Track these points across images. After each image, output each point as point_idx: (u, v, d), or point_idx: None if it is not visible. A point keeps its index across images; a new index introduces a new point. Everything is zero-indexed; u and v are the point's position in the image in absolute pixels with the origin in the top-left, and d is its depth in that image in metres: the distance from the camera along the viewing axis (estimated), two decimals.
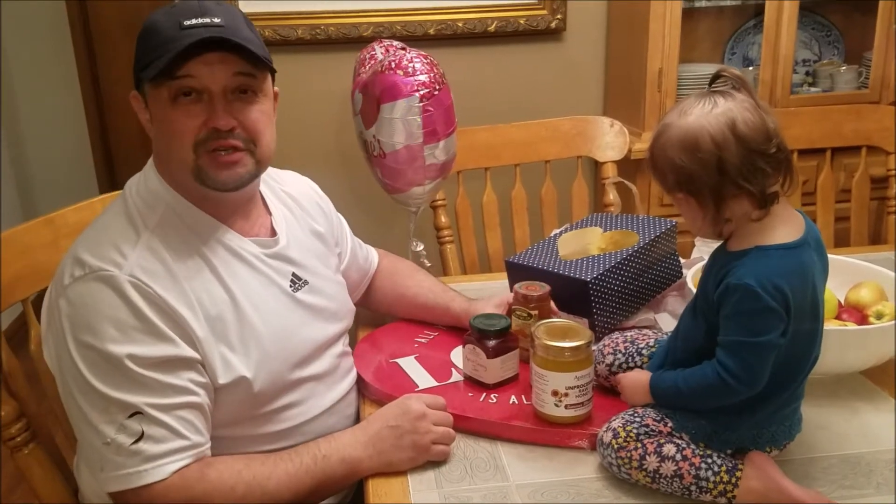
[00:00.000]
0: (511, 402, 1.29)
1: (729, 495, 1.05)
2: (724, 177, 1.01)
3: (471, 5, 2.69)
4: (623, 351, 1.26)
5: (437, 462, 1.18)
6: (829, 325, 1.32)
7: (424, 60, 2.09)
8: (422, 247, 2.31)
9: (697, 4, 2.68)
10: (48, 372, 1.24)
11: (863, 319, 1.40)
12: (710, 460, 1.06)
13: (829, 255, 1.13)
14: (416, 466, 1.17)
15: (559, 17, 2.72)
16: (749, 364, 1.02)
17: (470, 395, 1.32)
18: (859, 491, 1.10)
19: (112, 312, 1.10)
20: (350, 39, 2.63)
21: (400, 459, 1.17)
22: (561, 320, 1.31)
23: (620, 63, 2.73)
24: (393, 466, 1.17)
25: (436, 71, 2.09)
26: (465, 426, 1.24)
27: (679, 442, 1.08)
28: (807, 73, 2.85)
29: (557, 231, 1.67)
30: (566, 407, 1.19)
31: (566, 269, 1.46)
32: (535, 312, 1.36)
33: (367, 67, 2.20)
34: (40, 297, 1.26)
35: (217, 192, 1.19)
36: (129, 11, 3.95)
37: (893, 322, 1.28)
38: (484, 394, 1.32)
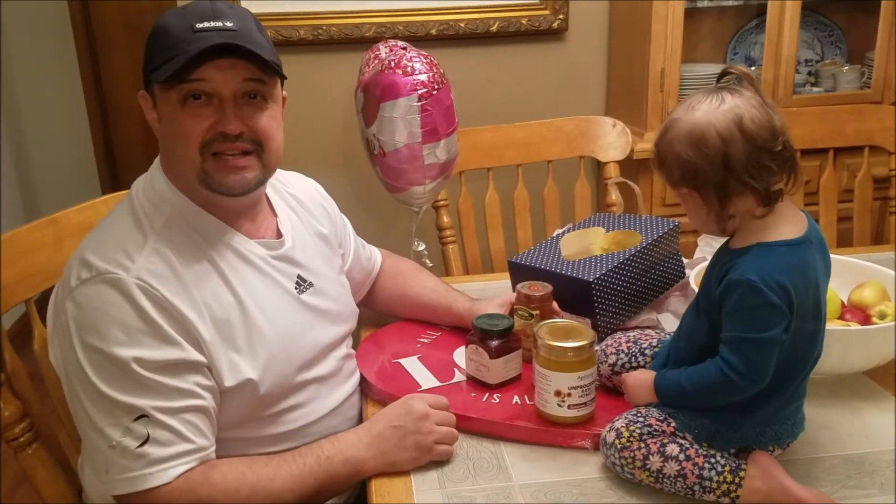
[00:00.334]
0: (514, 402, 1.29)
1: (732, 495, 1.05)
2: (730, 173, 1.01)
3: (473, 6, 2.69)
4: (626, 351, 1.26)
5: (440, 462, 1.18)
6: (832, 325, 1.32)
7: (424, 60, 2.09)
8: (423, 246, 2.31)
9: (699, 4, 2.68)
10: (51, 372, 1.24)
11: (866, 319, 1.40)
12: (713, 460, 1.06)
13: (832, 256, 1.13)
14: (420, 466, 1.17)
15: (561, 17, 2.72)
16: (752, 360, 1.02)
17: (473, 395, 1.32)
18: (863, 491, 1.10)
19: (119, 316, 1.10)
20: (352, 40, 2.63)
21: (403, 459, 1.17)
22: (564, 320, 1.31)
23: (622, 63, 2.73)
24: (396, 466, 1.17)
25: (435, 70, 2.09)
26: (468, 426, 1.24)
27: (682, 442, 1.08)
28: (809, 73, 2.85)
29: (560, 231, 1.67)
30: (569, 407, 1.19)
31: (569, 269, 1.46)
32: (536, 312, 1.36)
33: (371, 67, 2.20)
34: (43, 297, 1.26)
35: (224, 196, 1.19)
36: (131, 12, 3.96)
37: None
38: (487, 394, 1.32)
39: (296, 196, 1.40)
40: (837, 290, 1.43)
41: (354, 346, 1.47)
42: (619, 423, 1.11)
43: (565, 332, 1.21)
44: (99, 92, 4.08)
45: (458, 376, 1.38)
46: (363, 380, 1.39)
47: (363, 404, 1.38)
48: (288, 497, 1.14)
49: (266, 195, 1.33)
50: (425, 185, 2.13)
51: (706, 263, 1.45)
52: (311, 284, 1.31)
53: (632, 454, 1.09)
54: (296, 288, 1.28)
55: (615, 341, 1.29)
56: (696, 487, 1.06)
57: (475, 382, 1.35)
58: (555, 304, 1.40)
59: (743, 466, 1.06)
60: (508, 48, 2.77)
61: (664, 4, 2.46)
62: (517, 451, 1.21)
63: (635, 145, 2.35)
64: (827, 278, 1.10)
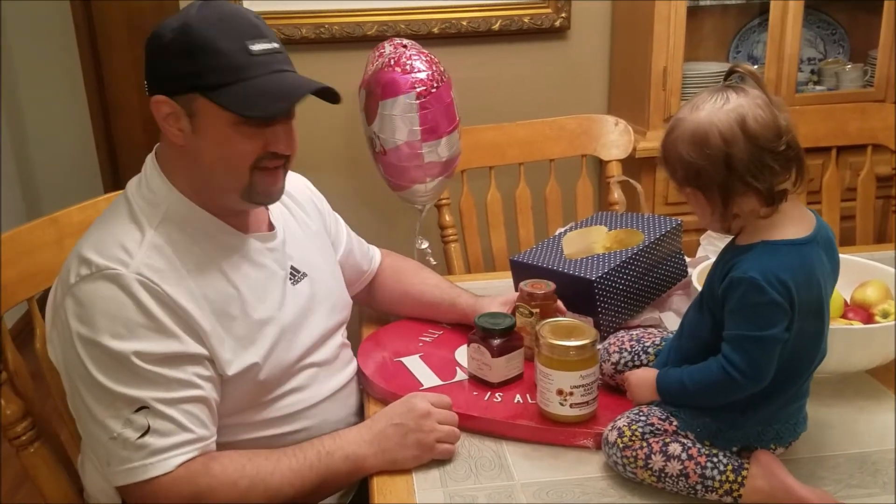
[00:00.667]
0: (516, 401, 1.29)
1: (735, 494, 1.05)
2: (732, 173, 1.01)
3: (475, 4, 2.68)
4: (629, 349, 1.26)
5: (442, 461, 1.18)
6: (835, 324, 1.31)
7: (423, 58, 2.09)
8: (427, 245, 2.31)
9: (702, 3, 2.67)
10: (53, 371, 1.24)
11: (868, 318, 1.40)
12: (715, 459, 1.06)
13: None
14: (421, 465, 1.17)
15: (563, 15, 2.72)
16: (754, 358, 1.01)
17: (475, 393, 1.32)
18: (866, 490, 1.09)
19: (119, 310, 1.11)
20: (354, 38, 2.63)
21: (404, 457, 1.17)
22: (566, 319, 1.31)
23: (625, 61, 2.73)
24: (397, 464, 1.17)
25: (435, 68, 2.09)
26: (470, 425, 1.24)
27: (685, 441, 1.08)
28: (812, 72, 2.84)
29: (562, 230, 1.66)
30: (571, 406, 1.19)
31: (571, 267, 1.46)
32: (536, 311, 1.36)
33: (374, 65, 2.20)
34: (45, 296, 1.26)
35: (255, 205, 1.25)
36: (133, 12, 3.96)
37: None
38: (489, 393, 1.31)
39: (287, 191, 1.40)
40: (840, 289, 1.42)
41: (356, 345, 1.48)
42: (621, 422, 1.11)
43: (567, 331, 1.21)
44: (101, 91, 4.09)
45: (460, 375, 1.38)
46: (365, 378, 1.39)
47: (365, 402, 1.38)
48: (287, 490, 1.15)
49: None
50: (426, 183, 2.12)
51: (709, 262, 1.45)
52: (304, 275, 1.33)
53: (634, 453, 1.08)
54: (290, 278, 1.31)
55: (618, 340, 1.29)
56: (699, 487, 1.06)
57: (477, 381, 1.35)
58: (560, 303, 1.40)
59: (745, 465, 1.06)
60: (510, 47, 2.76)
61: (667, 3, 2.45)
62: (519, 450, 1.21)
63: (637, 144, 2.35)
64: (834, 280, 1.10)
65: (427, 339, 1.51)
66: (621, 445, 1.09)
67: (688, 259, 1.61)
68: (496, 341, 1.31)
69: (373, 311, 1.63)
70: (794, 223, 1.05)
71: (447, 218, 2.17)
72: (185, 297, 1.15)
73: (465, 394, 1.32)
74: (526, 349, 1.34)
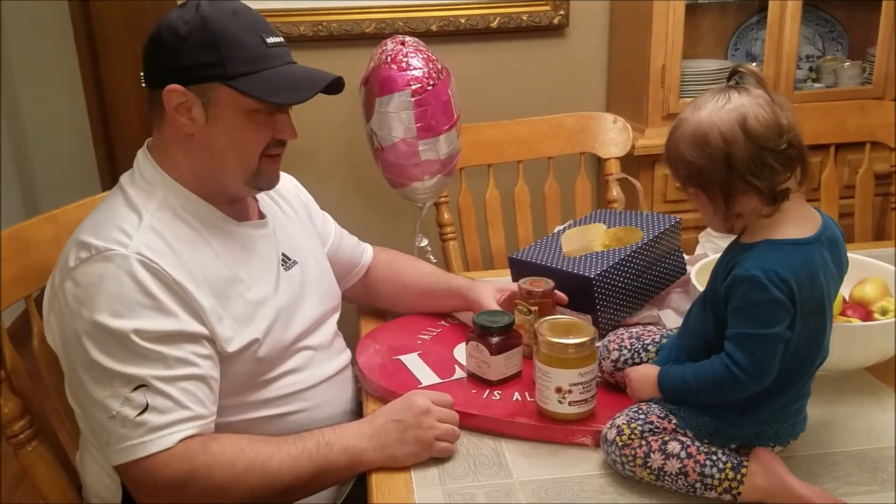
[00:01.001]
0: (515, 398, 1.29)
1: (734, 492, 1.05)
2: (733, 172, 1.01)
3: (474, 1, 2.68)
4: (629, 347, 1.26)
5: (440, 459, 1.18)
6: (834, 322, 1.31)
7: (420, 55, 2.08)
8: (427, 242, 2.31)
9: (701, 0, 2.67)
10: (51, 369, 1.24)
11: (867, 315, 1.40)
12: (714, 457, 1.06)
13: None
14: (420, 463, 1.17)
15: (562, 13, 2.71)
16: (757, 357, 1.01)
17: (473, 391, 1.32)
18: (865, 487, 1.09)
19: (119, 290, 1.12)
20: (352, 36, 2.62)
21: (403, 454, 1.17)
22: (565, 317, 1.31)
23: (623, 59, 2.72)
24: (396, 461, 1.17)
25: (431, 66, 2.08)
26: (469, 423, 1.24)
27: (684, 439, 1.08)
28: (810, 69, 2.84)
29: (561, 228, 1.66)
30: (570, 404, 1.19)
31: (570, 265, 1.46)
32: (535, 308, 1.36)
33: (374, 62, 2.19)
34: (43, 294, 1.26)
35: (257, 190, 1.32)
36: (132, 12, 3.95)
37: None
38: (487, 390, 1.31)
39: (275, 188, 1.43)
40: None
41: (354, 343, 1.49)
42: (620, 420, 1.11)
43: (566, 329, 1.21)
44: (99, 91, 4.08)
45: (459, 373, 1.38)
46: (363, 376, 1.39)
47: (364, 400, 1.38)
48: (284, 477, 1.16)
49: None
50: (424, 181, 2.12)
51: (707, 260, 1.45)
52: (295, 262, 1.37)
53: (633, 451, 1.08)
54: (282, 264, 1.34)
55: (618, 337, 1.29)
56: (698, 485, 1.05)
57: (476, 379, 1.34)
58: (560, 294, 1.40)
59: (745, 463, 1.05)
60: (509, 44, 2.76)
61: (665, 0, 2.45)
62: (518, 447, 1.20)
63: (636, 141, 2.35)
64: (839, 280, 1.10)
65: (426, 336, 1.51)
66: (620, 443, 1.09)
67: (686, 257, 1.61)
68: (495, 339, 1.31)
69: (371, 309, 1.63)
70: (798, 222, 1.05)
71: (446, 216, 2.17)
72: (185, 276, 1.17)
73: (463, 392, 1.32)
74: (525, 347, 1.34)
